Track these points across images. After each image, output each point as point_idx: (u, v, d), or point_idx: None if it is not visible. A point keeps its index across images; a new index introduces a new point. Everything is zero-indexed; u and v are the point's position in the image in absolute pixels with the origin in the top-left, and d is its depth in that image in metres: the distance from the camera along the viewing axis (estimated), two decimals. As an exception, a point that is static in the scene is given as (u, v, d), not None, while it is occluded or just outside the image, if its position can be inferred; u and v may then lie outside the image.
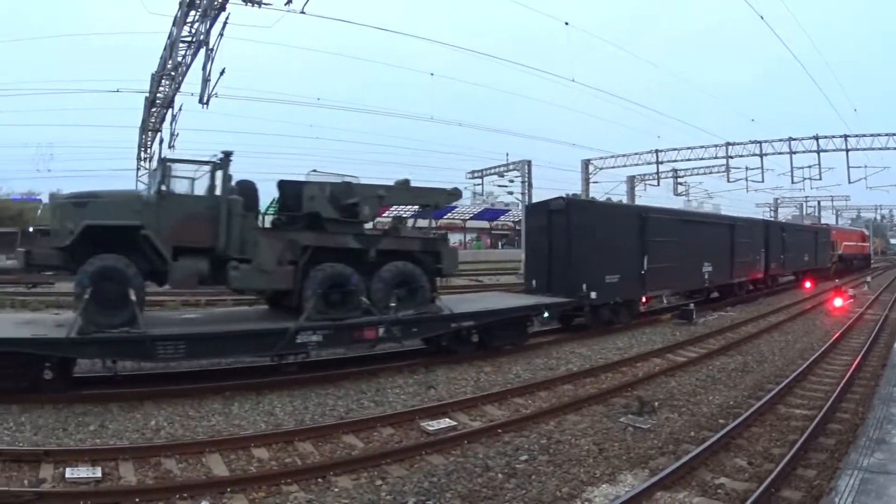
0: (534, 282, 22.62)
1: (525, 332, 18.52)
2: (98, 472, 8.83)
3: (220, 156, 14.06)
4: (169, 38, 28.72)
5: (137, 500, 8.09)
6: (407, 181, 17.38)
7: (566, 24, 32.76)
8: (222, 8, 23.69)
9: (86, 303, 12.28)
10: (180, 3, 25.84)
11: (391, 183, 17.30)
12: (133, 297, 12.68)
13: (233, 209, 14.15)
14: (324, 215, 15.29)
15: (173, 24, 27.41)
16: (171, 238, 13.47)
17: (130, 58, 40.56)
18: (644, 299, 25.07)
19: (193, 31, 26.15)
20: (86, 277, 12.44)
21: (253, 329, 14.35)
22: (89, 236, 12.70)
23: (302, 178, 15.90)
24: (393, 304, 15.50)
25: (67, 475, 8.74)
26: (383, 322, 15.25)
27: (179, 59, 28.17)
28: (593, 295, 20.87)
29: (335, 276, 14.91)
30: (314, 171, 16.18)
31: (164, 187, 13.59)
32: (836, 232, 61.61)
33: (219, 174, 14.06)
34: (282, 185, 16.31)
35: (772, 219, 66.48)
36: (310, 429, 10.93)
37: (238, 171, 14.62)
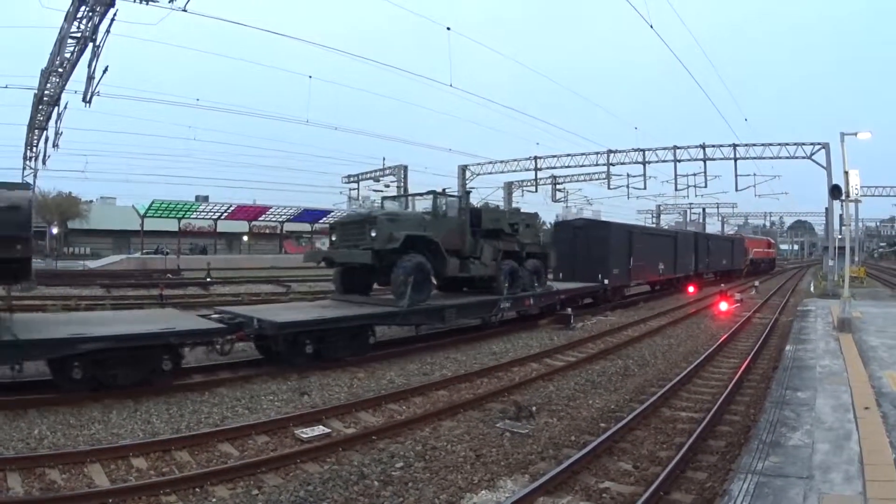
0: (561, 274, 31.79)
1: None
2: None
3: (466, 192, 21.93)
4: (59, 32, 28.19)
5: None
6: (536, 214, 28.40)
7: (448, 28, 33.22)
8: (111, 3, 23.44)
9: (410, 286, 18.71)
10: (72, -1, 25.50)
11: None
12: (434, 282, 21.31)
13: (460, 223, 22.15)
14: (505, 231, 24.37)
15: (65, 20, 26.97)
16: (443, 244, 20.58)
17: (22, 53, 39.35)
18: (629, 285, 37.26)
19: (82, 26, 25.81)
20: (409, 269, 18.88)
21: (480, 300, 22.60)
22: (407, 242, 18.98)
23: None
24: (536, 285, 25.74)
25: None
26: (534, 296, 25.13)
27: (67, 55, 27.71)
28: (605, 281, 32.49)
29: (515, 268, 24.14)
30: (445, 189, 24.28)
31: (439, 210, 21.45)
32: (748, 240, 74.33)
33: (463, 202, 22.74)
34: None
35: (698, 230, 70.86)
36: (186, 437, 10.88)
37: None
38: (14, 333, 12.63)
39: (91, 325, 14.37)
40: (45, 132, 36.73)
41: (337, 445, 10.70)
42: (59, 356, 12.54)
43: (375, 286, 22.37)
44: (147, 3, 22.74)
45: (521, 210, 30.84)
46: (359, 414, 12.83)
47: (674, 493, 8.80)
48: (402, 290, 18.69)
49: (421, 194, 23.09)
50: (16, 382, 13.26)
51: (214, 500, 8.61)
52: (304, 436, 11.13)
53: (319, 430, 11.49)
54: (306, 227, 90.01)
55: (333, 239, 21.28)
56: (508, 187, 61.54)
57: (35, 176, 40.85)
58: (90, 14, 24.92)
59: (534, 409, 13.04)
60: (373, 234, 18.91)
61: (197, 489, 8.84)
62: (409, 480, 9.36)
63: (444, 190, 23.17)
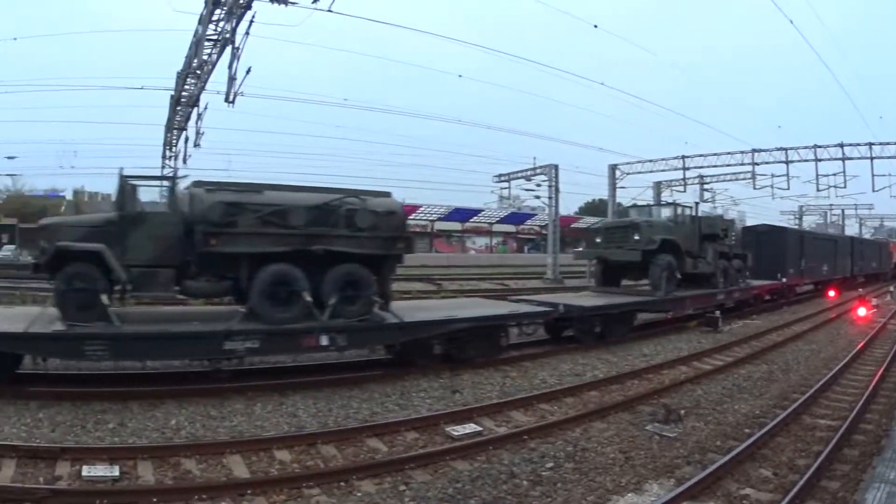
0: (746, 272, 32.44)
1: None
2: (116, 471, 8.78)
3: (696, 202, 25.50)
4: (194, 36, 28.58)
5: (155, 500, 8.03)
6: (733, 221, 32.71)
7: (595, 27, 32.58)
8: (248, 6, 23.55)
9: (664, 279, 22.51)
10: (206, 1, 25.73)
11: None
12: (679, 277, 24.03)
13: (692, 228, 25.62)
14: (718, 235, 27.34)
15: (199, 23, 27.30)
16: (682, 246, 23.62)
17: (156, 55, 40.63)
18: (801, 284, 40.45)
19: (219, 29, 25.91)
20: (664, 266, 22.58)
21: (705, 292, 25.73)
22: (661, 244, 22.97)
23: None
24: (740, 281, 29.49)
25: (84, 473, 8.69)
26: (740, 290, 28.79)
27: (205, 57, 28.05)
28: (784, 279, 35.85)
29: (726, 266, 27.67)
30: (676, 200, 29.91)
31: (678, 218, 24.97)
32: (893, 244, 75.35)
33: (693, 211, 26.48)
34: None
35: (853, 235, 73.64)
36: (333, 431, 10.83)
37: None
38: (399, 317, 14.74)
39: (430, 310, 17.24)
40: (184, 132, 37.73)
41: (488, 444, 10.49)
42: (429, 335, 15.15)
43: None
44: (286, 5, 22.77)
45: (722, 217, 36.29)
46: (510, 413, 12.57)
47: (808, 501, 8.54)
48: (658, 283, 22.66)
49: (661, 204, 29.29)
50: (148, 374, 13.75)
51: (360, 494, 8.48)
52: (455, 433, 10.97)
53: (470, 427, 11.33)
54: (456, 225, 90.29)
55: (598, 240, 26.39)
56: (657, 187, 59.77)
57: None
58: (227, 17, 25.01)
59: (682, 412, 12.64)
60: (636, 238, 23.32)
61: (342, 483, 8.78)
62: (558, 481, 9.17)
63: (696, 204, 28.31)
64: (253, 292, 13.35)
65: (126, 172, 13.61)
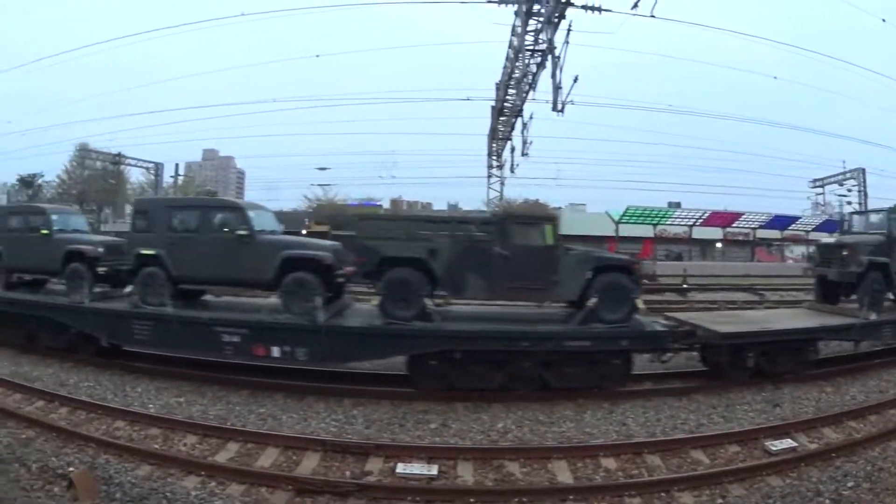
0: None
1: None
2: (434, 470, 9.25)
3: None
4: (510, 47, 29.49)
5: (472, 500, 8.42)
6: None
7: (883, 20, 30.04)
8: (562, 16, 23.87)
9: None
10: (516, 13, 26.47)
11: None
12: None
13: None
14: None
15: (512, 34, 28.15)
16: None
17: (474, 67, 42.29)
18: None
19: (536, 39, 26.46)
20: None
21: None
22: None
23: None
24: None
25: (398, 470, 9.28)
26: None
27: (525, 68, 28.83)
28: None
29: None
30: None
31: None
32: None
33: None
34: None
35: None
36: (659, 441, 10.77)
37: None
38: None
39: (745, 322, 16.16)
40: (509, 141, 38.92)
41: (800, 460, 10.07)
42: (739, 345, 14.28)
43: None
44: (599, 12, 22.98)
45: None
46: (822, 429, 11.83)
47: None
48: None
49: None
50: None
51: (678, 506, 8.33)
52: (773, 448, 10.59)
53: (787, 443, 10.88)
54: (776, 233, 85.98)
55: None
56: None
57: (502, 184, 42.85)
58: (543, 27, 25.38)
59: None
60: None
61: (663, 493, 8.79)
62: (854, 501, 8.80)
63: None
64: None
65: None
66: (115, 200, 68.19)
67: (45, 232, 16.72)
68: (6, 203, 73.20)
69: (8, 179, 77.71)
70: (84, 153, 61.93)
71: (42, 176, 75.88)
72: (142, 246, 14.91)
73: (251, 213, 14.96)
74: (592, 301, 13.42)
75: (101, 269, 15.98)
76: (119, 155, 54.24)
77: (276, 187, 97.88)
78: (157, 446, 10.39)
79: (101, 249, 16.17)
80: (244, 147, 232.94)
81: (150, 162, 57.10)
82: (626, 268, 14.34)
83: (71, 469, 9.10)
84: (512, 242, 13.94)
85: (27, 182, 76.77)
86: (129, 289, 15.65)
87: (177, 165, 62.83)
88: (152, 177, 60.62)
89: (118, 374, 14.61)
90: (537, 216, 18.20)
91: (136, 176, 69.61)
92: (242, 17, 33.20)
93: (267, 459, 9.91)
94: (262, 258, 14.21)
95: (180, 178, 65.87)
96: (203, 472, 9.27)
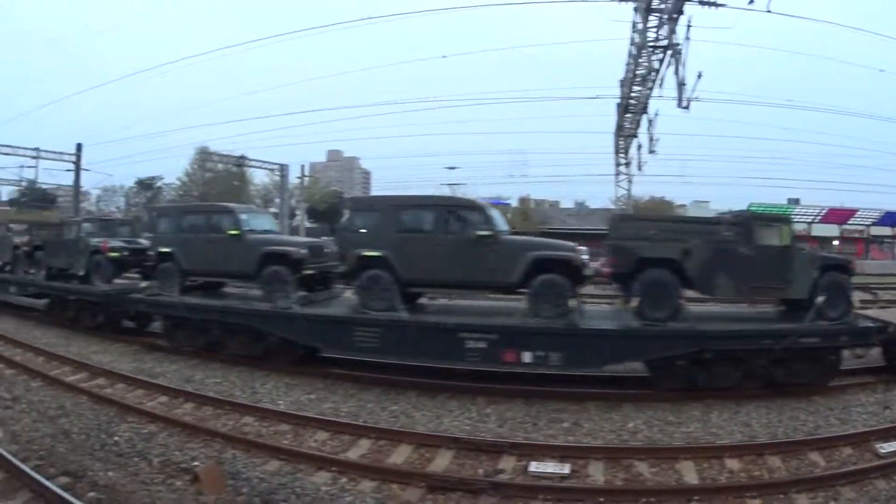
0: None
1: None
2: (566, 469, 9.45)
3: None
4: (631, 43, 29.38)
5: (602, 499, 8.54)
6: None
7: None
8: (680, 11, 23.80)
9: None
10: (636, 9, 26.45)
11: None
12: None
13: None
14: None
15: (633, 30, 28.09)
16: None
17: (598, 65, 42.02)
18: None
19: (657, 35, 26.48)
20: None
21: None
22: None
23: None
24: None
25: (531, 469, 9.47)
26: None
27: (649, 64, 28.84)
28: None
29: None
30: None
31: None
32: None
33: None
34: None
35: None
36: (780, 443, 10.73)
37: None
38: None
39: None
40: (635, 139, 38.16)
41: None
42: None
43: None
44: (716, 7, 22.84)
45: None
46: None
47: None
48: None
49: None
50: (604, 377, 14.32)
51: (796, 508, 8.39)
52: (882, 451, 10.43)
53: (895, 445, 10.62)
54: (888, 230, 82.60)
55: None
56: None
57: (630, 182, 42.38)
58: (664, 23, 25.46)
59: None
60: None
61: (781, 495, 8.76)
62: None
63: None
64: None
65: None
66: (239, 202, 69.68)
67: (234, 232, 16.24)
68: (124, 206, 76.24)
69: (126, 182, 79.79)
70: (205, 156, 62.81)
71: (161, 178, 78.21)
72: (363, 247, 14.69)
73: (493, 213, 14.86)
74: (820, 299, 13.63)
75: (306, 272, 15.80)
76: (242, 157, 54.71)
77: (402, 187, 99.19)
78: (286, 442, 10.76)
79: (304, 251, 15.91)
80: (370, 148, 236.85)
81: (274, 164, 57.48)
82: (845, 266, 14.69)
83: (196, 463, 9.44)
84: (755, 243, 14.16)
85: (146, 184, 79.23)
86: (347, 293, 15.82)
87: (303, 167, 63.24)
88: (277, 178, 61.14)
89: (247, 370, 15.17)
90: (777, 217, 18.48)
91: (258, 177, 70.62)
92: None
93: (399, 456, 10.21)
94: (506, 260, 14.11)
95: (306, 179, 66.66)
96: (334, 469, 9.56)
